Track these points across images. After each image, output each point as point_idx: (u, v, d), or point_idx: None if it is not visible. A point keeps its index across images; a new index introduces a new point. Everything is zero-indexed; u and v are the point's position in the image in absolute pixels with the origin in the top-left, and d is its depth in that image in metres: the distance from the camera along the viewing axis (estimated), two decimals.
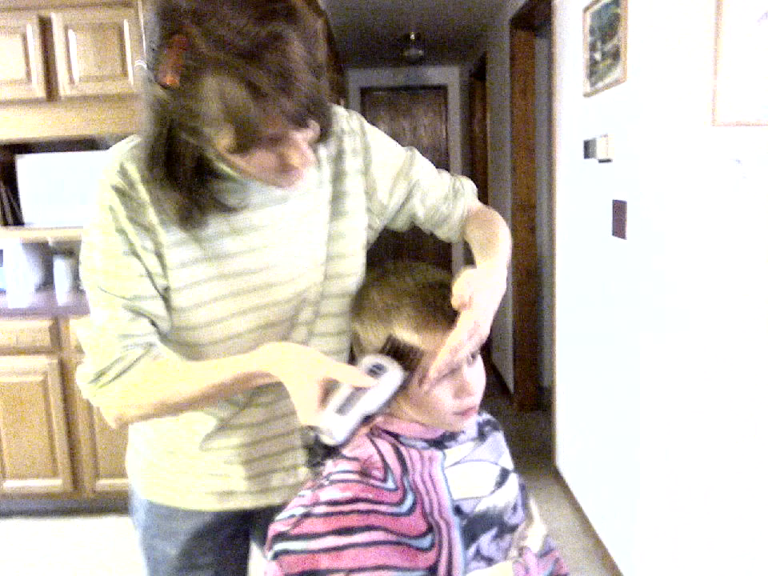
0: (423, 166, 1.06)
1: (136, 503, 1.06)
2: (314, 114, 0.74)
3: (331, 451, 0.78)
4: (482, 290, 0.82)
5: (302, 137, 0.77)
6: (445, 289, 0.84)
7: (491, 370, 4.49)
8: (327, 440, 0.75)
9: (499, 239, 0.99)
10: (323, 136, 0.82)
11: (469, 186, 1.11)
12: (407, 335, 0.81)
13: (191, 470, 1.00)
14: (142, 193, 0.84)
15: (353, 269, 0.99)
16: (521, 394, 3.78)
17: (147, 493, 1.03)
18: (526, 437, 3.41)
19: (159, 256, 0.86)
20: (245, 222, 0.90)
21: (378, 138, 1.02)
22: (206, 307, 0.89)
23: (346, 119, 0.99)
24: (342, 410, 0.75)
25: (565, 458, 2.84)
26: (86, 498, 2.71)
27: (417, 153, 1.06)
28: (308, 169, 0.83)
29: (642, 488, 2.00)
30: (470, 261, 0.95)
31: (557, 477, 2.92)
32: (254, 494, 1.00)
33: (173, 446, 1.00)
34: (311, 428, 0.76)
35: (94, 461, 2.66)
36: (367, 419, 0.76)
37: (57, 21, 2.56)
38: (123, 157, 0.86)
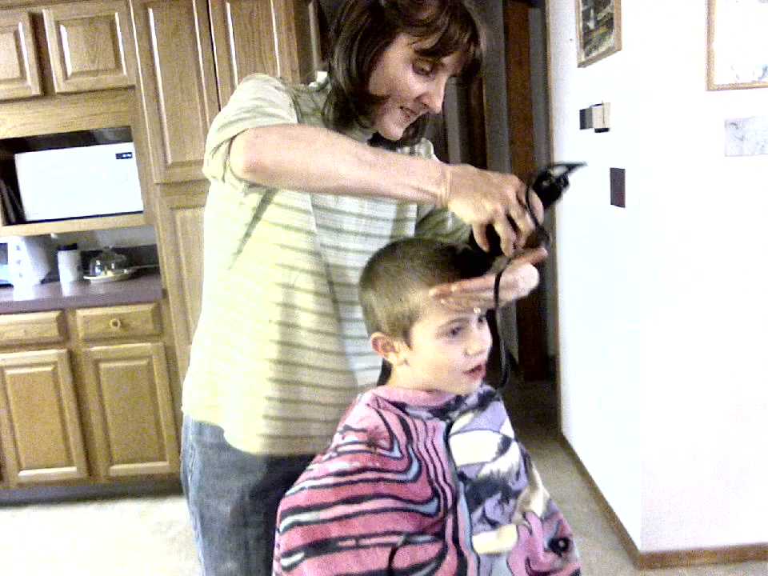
0: None
1: (189, 463, 1.11)
2: (477, 72, 0.96)
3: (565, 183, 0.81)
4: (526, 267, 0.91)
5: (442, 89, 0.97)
6: (455, 250, 0.88)
7: (496, 341, 4.50)
8: (561, 169, 0.80)
9: None
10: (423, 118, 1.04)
11: None
12: (421, 294, 0.85)
13: (248, 408, 1.03)
14: (292, 92, 1.00)
15: None
16: (527, 363, 3.81)
17: (203, 416, 1.08)
18: (533, 405, 3.43)
19: None
20: None
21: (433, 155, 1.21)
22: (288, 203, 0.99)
23: None
24: None
25: (570, 424, 2.88)
26: (101, 484, 2.76)
27: None
28: (402, 127, 1.01)
29: (643, 451, 2.04)
30: None
31: (563, 443, 2.95)
32: (294, 439, 1.04)
33: (246, 379, 1.03)
34: (547, 170, 0.80)
35: (107, 448, 2.71)
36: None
37: (48, 17, 2.55)
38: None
